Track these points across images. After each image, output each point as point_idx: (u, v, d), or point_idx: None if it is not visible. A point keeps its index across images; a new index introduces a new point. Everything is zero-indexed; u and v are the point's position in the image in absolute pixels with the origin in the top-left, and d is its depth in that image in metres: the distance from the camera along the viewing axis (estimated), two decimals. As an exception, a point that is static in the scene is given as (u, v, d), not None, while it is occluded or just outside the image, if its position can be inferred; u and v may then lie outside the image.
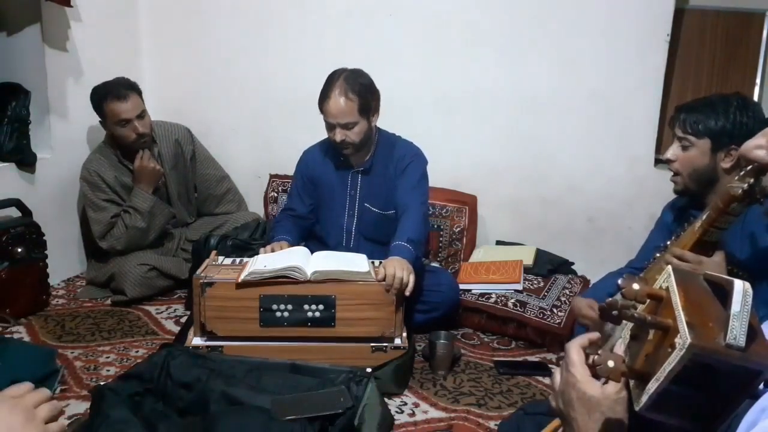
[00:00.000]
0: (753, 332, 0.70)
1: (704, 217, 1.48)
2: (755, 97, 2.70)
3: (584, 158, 2.81)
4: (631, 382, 0.79)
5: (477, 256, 2.78)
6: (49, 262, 2.53)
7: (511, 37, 2.78)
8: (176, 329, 2.36)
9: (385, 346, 1.96)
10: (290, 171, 2.57)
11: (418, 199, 2.27)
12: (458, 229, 2.84)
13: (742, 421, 0.69)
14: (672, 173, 1.74)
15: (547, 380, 2.08)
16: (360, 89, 2.17)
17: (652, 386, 0.73)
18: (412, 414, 1.87)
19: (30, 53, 2.62)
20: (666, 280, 0.79)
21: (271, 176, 3.11)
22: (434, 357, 2.11)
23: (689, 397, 0.74)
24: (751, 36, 2.73)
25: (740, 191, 1.29)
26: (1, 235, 2.33)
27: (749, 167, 1.24)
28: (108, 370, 2.07)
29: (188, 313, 2.45)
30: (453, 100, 2.89)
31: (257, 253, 2.18)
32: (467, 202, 2.86)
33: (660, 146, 2.72)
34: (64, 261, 2.83)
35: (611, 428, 0.79)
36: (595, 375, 0.82)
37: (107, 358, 2.16)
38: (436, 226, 2.85)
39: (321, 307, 1.94)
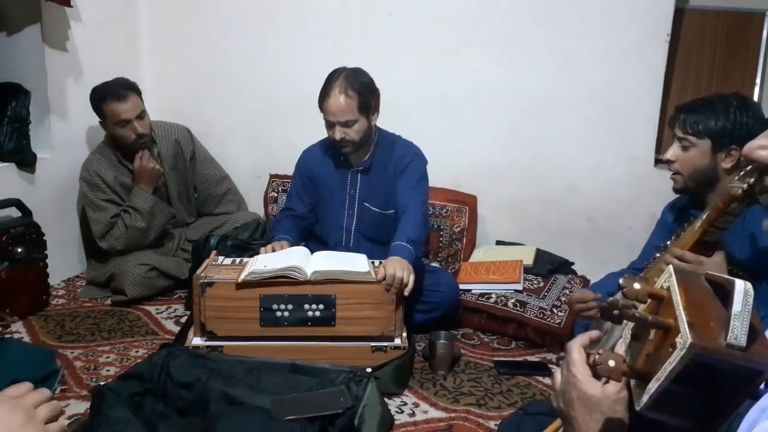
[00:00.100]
0: (754, 332, 0.70)
1: (704, 217, 1.48)
2: (755, 97, 2.71)
3: (584, 158, 2.81)
4: (632, 382, 0.79)
5: (477, 256, 2.78)
6: (49, 262, 2.53)
7: (511, 37, 2.79)
8: (176, 329, 2.36)
9: (385, 346, 1.96)
10: (290, 171, 2.57)
11: (418, 199, 2.27)
12: (458, 229, 2.84)
13: (743, 421, 0.69)
14: (672, 173, 1.74)
15: (547, 380, 2.08)
16: (360, 87, 2.17)
17: (653, 386, 0.73)
18: (412, 414, 1.87)
19: (30, 53, 2.62)
20: (667, 279, 0.79)
21: (271, 176, 3.11)
22: (434, 357, 2.11)
23: (690, 397, 0.74)
24: (751, 36, 2.73)
25: (740, 191, 1.29)
26: (1, 235, 2.32)
27: (750, 167, 1.24)
28: (108, 370, 2.07)
29: (188, 313, 2.45)
30: (453, 100, 2.89)
31: (257, 253, 2.18)
32: (467, 202, 2.86)
33: (660, 146, 2.72)
34: (64, 261, 2.83)
35: (612, 428, 0.79)
36: (596, 375, 0.82)
37: (107, 358, 2.16)
38: (436, 226, 2.85)
39: (321, 306, 1.94)
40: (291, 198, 2.49)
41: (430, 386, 2.03)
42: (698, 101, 1.71)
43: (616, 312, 0.75)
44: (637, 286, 0.77)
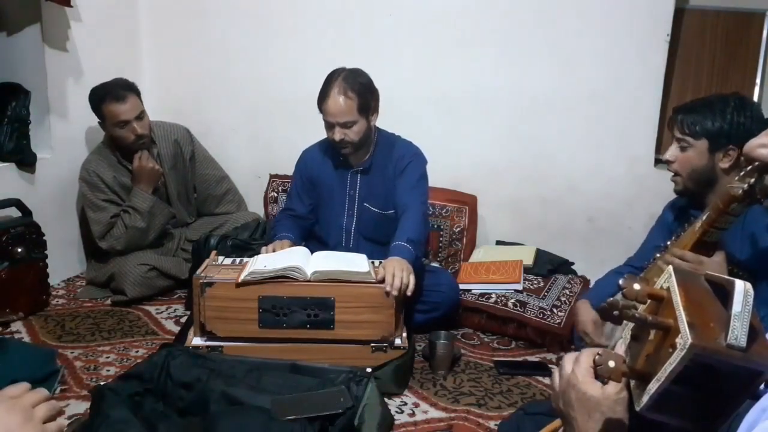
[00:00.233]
0: (754, 332, 0.70)
1: (704, 217, 1.48)
2: (755, 97, 2.70)
3: (584, 158, 2.80)
4: (632, 383, 0.79)
5: (477, 256, 2.78)
6: (49, 262, 2.53)
7: (511, 37, 2.78)
8: (176, 329, 2.36)
9: (385, 346, 1.96)
10: (290, 171, 2.57)
11: (417, 199, 2.26)
12: (458, 229, 2.84)
13: (743, 421, 0.69)
14: (672, 174, 1.74)
15: (547, 380, 2.08)
16: (359, 88, 2.17)
17: (653, 386, 0.73)
18: (412, 414, 1.87)
19: (30, 53, 2.62)
20: (667, 280, 0.79)
21: (271, 176, 3.11)
22: (434, 357, 2.11)
23: (690, 398, 0.74)
24: (751, 36, 2.73)
25: (740, 191, 1.29)
26: (1, 235, 2.32)
27: (750, 167, 1.24)
28: (108, 370, 2.07)
29: (188, 313, 2.45)
30: (453, 100, 2.89)
31: (257, 253, 2.18)
32: (467, 202, 2.86)
33: (660, 146, 2.72)
34: (64, 261, 2.83)
35: (612, 428, 0.79)
36: (596, 375, 0.82)
37: (107, 358, 2.16)
38: (436, 226, 2.85)
39: (320, 309, 1.93)
40: (291, 198, 2.49)
41: (430, 386, 2.03)
42: (696, 102, 1.72)
43: (616, 313, 0.75)
44: (636, 286, 0.77)
